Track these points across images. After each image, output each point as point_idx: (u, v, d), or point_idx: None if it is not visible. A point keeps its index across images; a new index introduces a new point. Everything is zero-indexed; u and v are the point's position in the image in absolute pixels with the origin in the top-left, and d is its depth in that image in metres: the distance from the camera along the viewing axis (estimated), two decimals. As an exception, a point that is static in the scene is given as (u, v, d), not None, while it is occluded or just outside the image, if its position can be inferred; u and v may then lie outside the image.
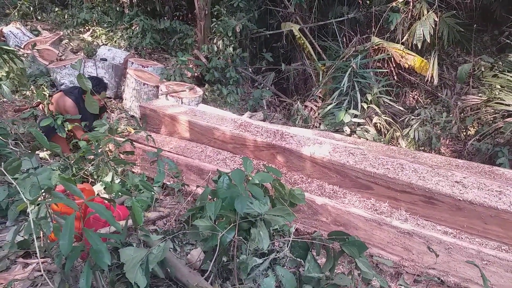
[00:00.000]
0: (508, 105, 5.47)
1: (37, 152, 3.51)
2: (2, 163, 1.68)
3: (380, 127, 6.10)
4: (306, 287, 1.74)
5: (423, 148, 6.04)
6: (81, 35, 8.40)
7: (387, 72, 7.50)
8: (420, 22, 7.00)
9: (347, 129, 5.68)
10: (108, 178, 2.57)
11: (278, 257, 1.84)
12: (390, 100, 6.62)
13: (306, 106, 7.08)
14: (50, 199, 1.61)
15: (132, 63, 6.53)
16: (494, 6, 8.02)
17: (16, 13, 8.71)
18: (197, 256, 1.96)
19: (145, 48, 8.28)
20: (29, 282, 1.78)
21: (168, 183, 3.08)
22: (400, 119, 6.59)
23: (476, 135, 5.93)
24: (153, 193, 2.42)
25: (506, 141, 5.29)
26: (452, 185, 2.53)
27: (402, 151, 3.47)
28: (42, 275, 1.77)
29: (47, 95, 4.12)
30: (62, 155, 2.78)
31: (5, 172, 1.59)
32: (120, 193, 2.34)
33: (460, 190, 2.48)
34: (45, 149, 3.63)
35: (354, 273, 1.84)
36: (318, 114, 6.59)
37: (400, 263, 2.39)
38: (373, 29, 7.51)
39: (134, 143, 3.30)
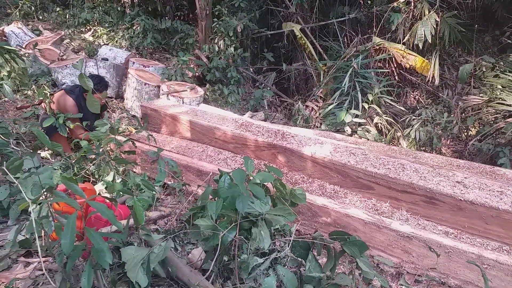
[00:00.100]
0: (509, 105, 5.46)
1: (38, 151, 3.51)
2: (4, 162, 1.68)
3: (381, 127, 6.09)
4: (307, 286, 1.74)
5: (424, 148, 6.03)
6: (82, 35, 8.41)
7: (388, 72, 7.49)
8: (421, 22, 6.99)
9: (348, 129, 5.67)
10: (109, 178, 2.58)
11: (279, 256, 1.85)
12: (391, 100, 6.62)
13: (307, 106, 7.08)
14: (51, 198, 1.61)
15: (133, 63, 6.54)
16: (495, 6, 8.01)
17: (17, 13, 8.73)
18: (198, 256, 1.96)
19: (146, 48, 8.29)
20: (31, 281, 1.78)
21: (169, 182, 3.09)
22: (401, 119, 6.58)
23: (477, 135, 5.92)
24: (154, 192, 2.42)
25: (507, 141, 5.28)
26: (453, 185, 2.53)
27: (403, 151, 3.47)
28: (43, 274, 1.77)
29: (48, 94, 4.13)
30: (63, 154, 2.78)
31: (7, 171, 1.60)
32: (121, 193, 2.35)
33: (461, 190, 2.47)
34: (46, 148, 3.64)
35: (355, 273, 1.85)
36: (319, 114, 6.59)
37: (401, 264, 2.39)
38: (374, 29, 7.51)
39: (135, 143, 3.30)
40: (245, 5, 7.83)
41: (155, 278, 1.77)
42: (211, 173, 3.00)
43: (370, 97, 6.16)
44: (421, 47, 7.08)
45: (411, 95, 7.98)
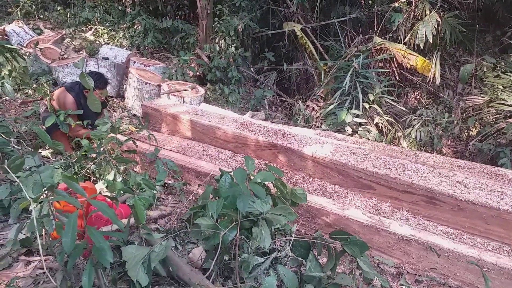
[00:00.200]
0: (510, 105, 5.46)
1: (39, 150, 3.52)
2: (6, 160, 1.68)
3: (381, 127, 6.09)
4: (308, 286, 1.74)
5: (424, 148, 6.03)
6: (83, 34, 8.41)
7: (389, 72, 7.49)
8: (422, 22, 6.99)
9: (348, 129, 5.67)
10: (110, 177, 2.58)
11: (280, 256, 1.85)
12: (392, 100, 6.61)
13: (307, 106, 7.08)
14: (52, 197, 1.62)
15: (134, 62, 6.54)
16: (497, 7, 8.00)
17: (18, 12, 8.73)
18: (199, 255, 1.96)
19: (147, 47, 8.29)
20: (31, 279, 1.78)
21: (169, 182, 3.09)
22: (402, 119, 6.58)
23: (478, 135, 5.92)
24: (155, 191, 2.42)
25: (508, 141, 5.27)
26: (454, 186, 2.53)
27: (403, 151, 3.47)
28: (44, 272, 1.77)
29: (48, 91, 4.13)
30: (64, 153, 2.79)
31: (8, 169, 1.60)
32: (122, 192, 2.35)
33: (462, 191, 2.47)
34: (47, 147, 3.64)
35: (355, 273, 1.85)
36: (320, 114, 6.58)
37: (401, 265, 2.39)
38: (375, 29, 7.51)
39: (136, 142, 3.30)
40: (246, 4, 7.82)
41: (155, 277, 1.77)
42: (211, 173, 2.99)
43: (371, 97, 6.16)
44: (422, 47, 7.08)
45: (412, 95, 7.98)
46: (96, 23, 8.93)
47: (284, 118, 7.37)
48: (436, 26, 6.88)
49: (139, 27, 8.35)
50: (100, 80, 3.92)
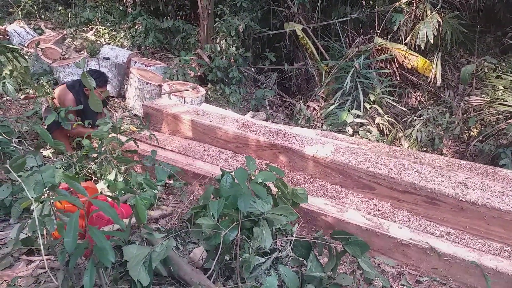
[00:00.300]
0: (511, 106, 5.46)
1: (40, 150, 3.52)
2: (8, 160, 1.69)
3: (382, 127, 6.09)
4: (308, 286, 1.74)
5: (425, 149, 6.02)
6: (84, 34, 8.42)
7: (390, 72, 7.48)
8: (423, 22, 6.99)
9: (349, 129, 5.67)
10: (111, 177, 2.58)
11: (281, 256, 1.85)
12: (392, 100, 6.61)
13: (308, 106, 7.08)
14: (54, 197, 1.62)
15: (135, 62, 6.55)
16: (498, 7, 8.00)
17: (19, 12, 8.74)
18: (200, 255, 1.97)
19: (148, 47, 8.29)
20: (33, 279, 1.79)
21: (170, 182, 3.09)
22: (403, 120, 6.57)
23: (479, 136, 5.92)
24: (156, 191, 2.43)
25: (509, 142, 5.27)
26: (454, 186, 2.53)
27: (404, 151, 3.47)
28: (45, 272, 1.78)
29: (48, 90, 4.13)
30: (66, 153, 2.79)
31: (10, 169, 1.60)
32: (123, 191, 2.35)
33: (463, 191, 2.47)
34: (48, 147, 3.65)
35: (356, 273, 1.85)
36: (321, 114, 6.58)
37: (401, 266, 2.39)
38: (376, 29, 7.50)
39: (136, 142, 3.31)
40: (247, 4, 7.82)
41: (156, 277, 1.77)
42: (210, 175, 2.98)
43: (372, 98, 6.15)
44: (423, 48, 7.08)
45: (413, 96, 7.97)
46: (97, 23, 8.94)
47: (285, 118, 7.37)
48: (437, 27, 6.88)
49: (140, 27, 8.36)
50: (100, 78, 3.92)
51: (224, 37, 7.34)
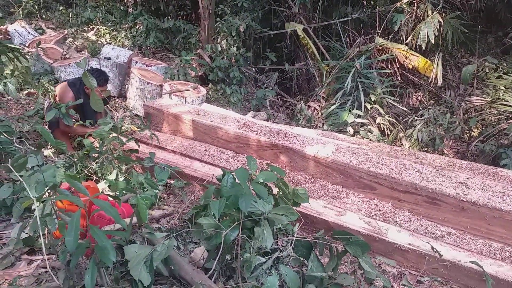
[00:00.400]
0: (512, 106, 5.46)
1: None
2: (10, 159, 1.69)
3: (383, 127, 6.09)
4: (309, 286, 1.74)
5: (426, 149, 6.02)
6: (85, 34, 8.43)
7: (391, 72, 7.48)
8: (424, 23, 6.98)
9: (350, 130, 5.67)
10: (112, 176, 2.58)
11: (282, 256, 1.85)
12: (393, 100, 6.61)
13: (309, 106, 7.07)
14: (55, 196, 1.62)
15: (136, 62, 6.55)
16: (499, 8, 7.99)
17: (21, 12, 8.76)
18: (201, 255, 1.97)
19: (149, 47, 8.30)
20: (34, 278, 1.79)
21: (171, 181, 3.09)
22: (404, 120, 6.57)
23: (480, 136, 5.92)
24: (157, 191, 2.43)
25: (510, 142, 5.27)
26: (455, 186, 2.53)
27: (405, 151, 3.47)
28: (47, 271, 1.78)
29: (48, 88, 4.14)
30: (67, 152, 2.79)
31: (12, 168, 1.60)
32: (124, 191, 2.35)
33: (464, 191, 2.47)
34: (49, 146, 3.65)
35: (357, 273, 1.85)
36: (322, 114, 6.58)
37: (402, 267, 2.39)
38: (377, 29, 7.50)
39: (137, 142, 3.31)
40: (248, 4, 7.83)
41: (157, 276, 1.77)
42: (213, 175, 2.98)
43: (373, 98, 6.15)
44: (424, 48, 7.07)
45: (414, 96, 7.97)
46: (98, 23, 8.95)
47: (286, 118, 7.37)
48: (438, 27, 6.87)
49: (141, 27, 8.36)
50: (100, 77, 3.92)
51: (225, 37, 7.35)
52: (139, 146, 3.20)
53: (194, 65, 7.23)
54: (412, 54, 7.02)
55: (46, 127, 3.94)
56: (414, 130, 6.10)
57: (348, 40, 8.01)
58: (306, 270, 1.77)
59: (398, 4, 7.33)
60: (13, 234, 2.10)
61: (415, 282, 2.26)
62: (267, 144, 3.19)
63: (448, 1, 7.31)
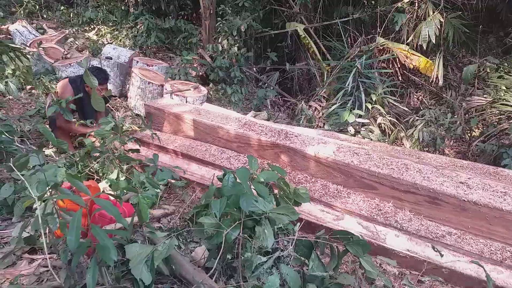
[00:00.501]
0: (513, 106, 5.46)
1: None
2: (11, 158, 1.69)
3: (384, 127, 6.08)
4: (310, 285, 1.74)
5: (427, 149, 6.02)
6: (86, 34, 8.45)
7: (392, 72, 7.48)
8: (425, 22, 6.97)
9: (351, 129, 5.67)
10: (113, 176, 2.59)
11: (283, 255, 1.85)
12: (394, 100, 6.60)
13: (310, 106, 7.07)
14: (56, 195, 1.62)
15: (137, 62, 6.56)
16: (500, 8, 7.98)
17: (22, 11, 8.77)
18: (202, 254, 1.97)
19: (150, 47, 8.30)
20: (35, 277, 1.79)
21: (172, 181, 3.09)
22: (405, 120, 6.57)
23: (481, 136, 5.91)
24: (158, 190, 2.43)
25: (511, 142, 5.26)
26: (456, 186, 2.53)
27: (406, 151, 3.47)
28: (48, 270, 1.78)
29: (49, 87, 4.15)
30: (68, 151, 2.80)
31: (13, 167, 1.61)
32: (125, 190, 2.36)
33: (465, 191, 2.47)
34: (50, 146, 3.66)
35: (358, 272, 1.85)
36: (322, 114, 6.58)
37: (402, 267, 2.39)
38: (378, 29, 7.49)
39: (138, 141, 3.31)
40: (249, 4, 7.82)
41: (158, 275, 1.78)
42: (214, 174, 2.99)
43: (374, 98, 6.15)
44: (425, 48, 7.07)
45: (415, 96, 7.96)
46: (99, 22, 8.97)
47: (287, 118, 7.37)
48: (439, 27, 6.86)
49: (142, 27, 8.37)
50: (100, 75, 3.92)
51: (226, 37, 7.35)
52: (140, 145, 3.20)
53: (195, 65, 7.23)
54: (413, 54, 7.01)
55: (47, 125, 3.95)
56: (415, 130, 6.10)
57: (349, 40, 7.99)
58: (307, 269, 1.77)
59: (399, 4, 7.33)
60: (15, 233, 2.11)
61: (416, 281, 2.26)
62: (268, 143, 3.19)
63: (449, 1, 7.29)
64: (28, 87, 5.20)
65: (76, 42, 7.81)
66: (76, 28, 8.53)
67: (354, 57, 6.78)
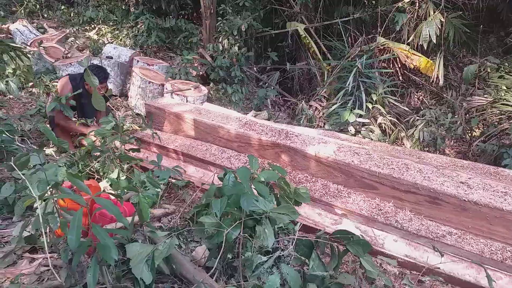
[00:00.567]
0: (514, 106, 5.46)
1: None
2: (12, 158, 1.69)
3: (385, 127, 6.09)
4: (311, 285, 1.74)
5: (427, 149, 6.02)
6: (87, 33, 8.45)
7: (392, 72, 7.47)
8: (426, 22, 6.97)
9: (352, 129, 5.67)
10: (114, 175, 2.59)
11: (283, 255, 1.85)
12: (395, 100, 6.60)
13: (310, 106, 7.07)
14: (57, 195, 1.62)
15: (138, 61, 6.55)
16: (501, 7, 7.98)
17: (22, 11, 8.77)
18: (202, 253, 1.97)
19: (150, 47, 8.30)
20: (36, 276, 1.79)
21: (173, 180, 3.10)
22: (405, 120, 6.57)
23: (482, 136, 5.91)
24: (158, 190, 2.43)
25: (512, 142, 5.27)
26: (457, 186, 2.52)
27: (407, 151, 3.46)
28: (49, 269, 1.79)
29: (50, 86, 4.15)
30: (69, 151, 2.80)
31: (14, 166, 1.61)
32: (126, 190, 2.36)
33: (465, 191, 2.47)
34: (51, 145, 3.66)
35: (358, 272, 1.85)
36: (323, 113, 6.58)
37: (402, 267, 2.39)
38: (378, 29, 7.49)
39: (139, 141, 3.31)
40: (250, 4, 7.82)
41: (159, 275, 1.78)
42: (213, 175, 2.99)
43: (374, 97, 6.15)
44: (425, 48, 7.06)
45: (415, 96, 7.96)
46: (100, 22, 8.97)
47: (287, 117, 7.37)
48: (439, 27, 6.86)
49: (143, 26, 8.37)
50: (100, 74, 3.92)
51: (226, 37, 7.35)
52: (140, 145, 3.20)
53: (196, 65, 7.23)
54: (414, 54, 7.01)
55: (48, 125, 3.95)
56: (415, 130, 6.10)
57: (349, 39, 8.00)
58: (308, 269, 1.78)
59: (400, 4, 7.32)
60: (15, 232, 2.11)
61: (416, 281, 2.26)
62: (269, 143, 3.19)
63: (450, 1, 7.29)
64: (30, 84, 5.20)
65: (77, 41, 7.81)
66: (77, 28, 8.53)
67: (354, 57, 6.78)
